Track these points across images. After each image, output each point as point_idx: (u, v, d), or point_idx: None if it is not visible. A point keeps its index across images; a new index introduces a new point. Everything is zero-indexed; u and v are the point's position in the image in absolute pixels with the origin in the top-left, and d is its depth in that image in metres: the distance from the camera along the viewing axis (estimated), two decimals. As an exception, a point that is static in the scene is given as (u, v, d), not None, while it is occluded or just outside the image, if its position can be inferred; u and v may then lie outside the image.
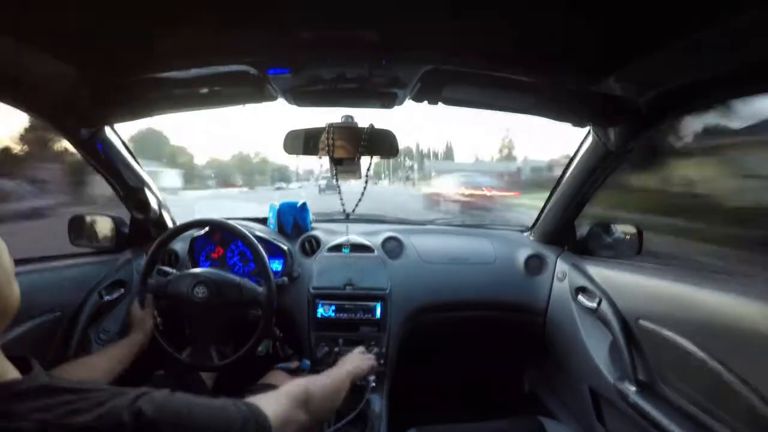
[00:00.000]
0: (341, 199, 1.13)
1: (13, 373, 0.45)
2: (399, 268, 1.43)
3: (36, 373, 0.47)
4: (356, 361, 1.05)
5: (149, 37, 0.72)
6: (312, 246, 1.47)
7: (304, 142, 1.03)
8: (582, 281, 1.24)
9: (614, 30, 0.64)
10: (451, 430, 1.13)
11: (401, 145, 1.03)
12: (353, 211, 1.21)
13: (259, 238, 1.22)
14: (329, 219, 1.70)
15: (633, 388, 0.99)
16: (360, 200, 1.15)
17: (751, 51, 0.62)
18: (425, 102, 0.95)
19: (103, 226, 1.33)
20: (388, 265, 1.41)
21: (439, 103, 0.96)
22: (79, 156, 1.13)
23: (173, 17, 0.65)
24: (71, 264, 1.18)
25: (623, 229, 1.30)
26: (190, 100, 1.01)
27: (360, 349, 1.15)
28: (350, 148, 1.00)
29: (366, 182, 1.08)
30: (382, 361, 1.30)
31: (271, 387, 1.12)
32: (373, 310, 1.33)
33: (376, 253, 1.44)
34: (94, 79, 0.84)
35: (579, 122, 1.06)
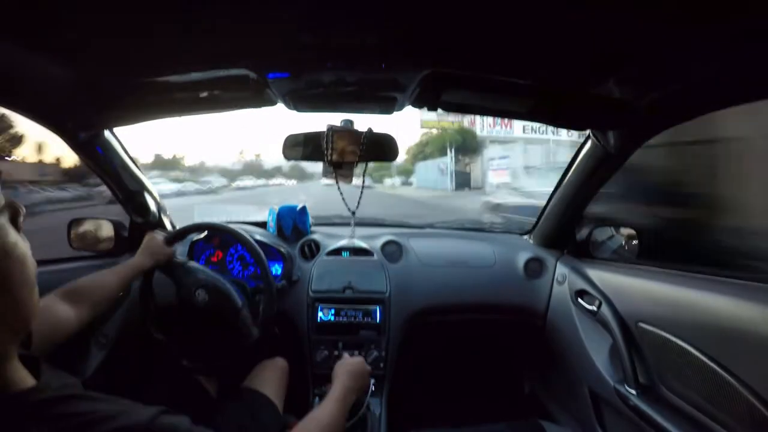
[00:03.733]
0: (344, 201, 1.13)
1: (28, 381, 0.44)
2: (398, 272, 1.43)
3: (46, 382, 0.46)
4: (353, 373, 0.97)
5: (149, 40, 0.72)
6: (311, 249, 1.47)
7: (304, 146, 1.03)
8: (582, 284, 1.24)
9: (614, 33, 0.64)
10: None
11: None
12: (354, 212, 1.21)
13: (258, 242, 1.22)
14: (329, 222, 1.70)
15: (633, 391, 0.99)
16: (359, 203, 1.15)
17: (751, 55, 0.62)
18: (425, 107, 0.95)
19: (103, 229, 1.33)
20: (388, 269, 1.41)
21: (439, 109, 0.96)
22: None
23: (173, 21, 0.65)
24: (71, 267, 1.18)
25: (623, 232, 1.30)
26: (190, 104, 1.01)
27: (350, 358, 1.04)
28: (350, 152, 1.00)
29: (363, 185, 1.09)
30: (381, 365, 1.30)
31: (258, 394, 1.11)
32: (372, 314, 1.32)
33: (375, 256, 1.44)
34: (93, 83, 0.84)
35: (579, 126, 1.06)
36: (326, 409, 0.80)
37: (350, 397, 0.89)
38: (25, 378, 0.44)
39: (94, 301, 0.87)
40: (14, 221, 0.45)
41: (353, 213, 1.20)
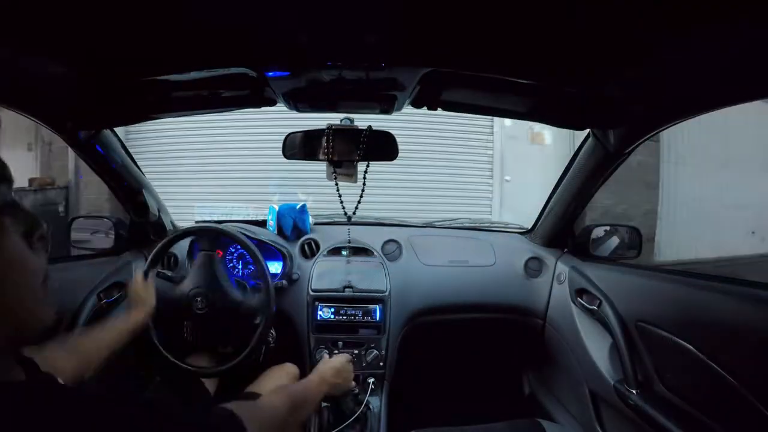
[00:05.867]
0: (341, 202, 1.13)
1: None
2: (398, 271, 1.43)
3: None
4: (335, 370, 0.99)
5: (148, 39, 0.72)
6: (311, 248, 1.47)
7: (303, 144, 1.03)
8: (582, 283, 1.23)
9: (615, 32, 0.64)
10: None
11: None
12: (354, 213, 1.21)
13: (258, 241, 1.23)
14: (329, 221, 1.70)
15: (633, 390, 0.99)
16: (359, 203, 1.15)
17: (751, 54, 0.62)
18: (424, 107, 0.95)
19: (102, 228, 1.33)
20: (388, 268, 1.41)
21: (438, 109, 0.96)
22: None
23: (173, 19, 0.65)
24: (70, 266, 1.18)
25: (623, 231, 1.30)
26: (190, 103, 1.01)
27: (344, 357, 1.07)
28: (349, 150, 1.00)
29: (364, 185, 1.08)
30: (381, 364, 1.30)
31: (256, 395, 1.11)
32: (372, 313, 1.32)
33: (375, 255, 1.44)
34: (93, 82, 0.84)
35: (579, 126, 1.06)
36: (275, 397, 0.75)
37: (318, 389, 0.90)
38: (14, 372, 0.44)
39: (87, 360, 0.83)
40: (28, 235, 0.43)
41: (349, 218, 1.19)
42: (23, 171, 3.89)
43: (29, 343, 0.47)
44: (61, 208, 3.72)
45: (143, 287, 1.07)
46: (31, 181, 3.83)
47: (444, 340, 1.66)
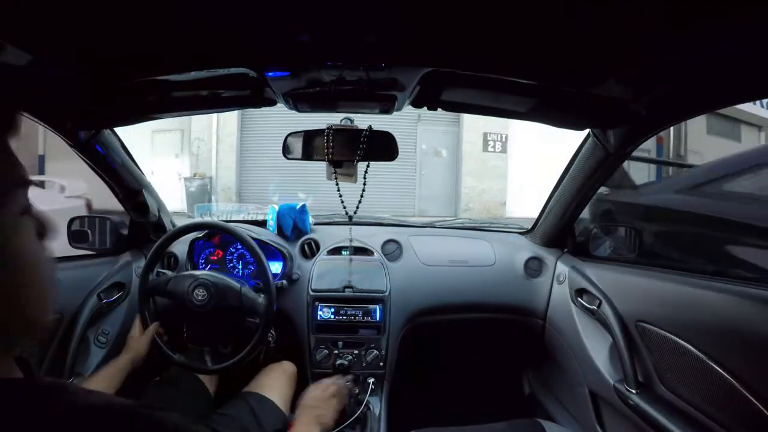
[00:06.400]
0: (342, 201, 1.13)
1: (16, 374, 0.45)
2: (398, 271, 1.43)
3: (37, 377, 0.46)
4: (319, 407, 0.91)
5: (148, 39, 0.72)
6: (311, 248, 1.47)
7: (304, 144, 1.03)
8: (582, 283, 1.24)
9: (615, 32, 0.64)
10: None
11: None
12: (354, 213, 1.21)
13: (258, 241, 1.23)
14: (329, 222, 1.70)
15: (632, 390, 0.99)
16: (359, 202, 1.15)
17: (750, 54, 0.62)
18: (424, 107, 0.95)
19: (102, 228, 1.33)
20: (388, 268, 1.41)
21: (438, 109, 0.96)
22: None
23: (173, 19, 0.65)
24: (70, 266, 1.18)
25: (622, 231, 1.30)
26: (190, 103, 1.01)
27: (314, 386, 1.00)
28: (349, 150, 1.00)
29: (364, 185, 1.08)
30: (381, 364, 1.30)
31: (263, 397, 1.11)
32: (372, 313, 1.33)
33: (375, 255, 1.44)
34: (93, 82, 0.84)
35: (579, 126, 1.06)
36: None
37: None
38: (12, 370, 0.44)
39: None
40: (41, 236, 0.44)
41: (350, 218, 1.19)
42: (179, 169, 7.81)
43: (29, 336, 0.47)
44: (209, 188, 7.49)
45: (139, 333, 1.10)
46: (194, 174, 7.67)
47: (444, 340, 1.67)
